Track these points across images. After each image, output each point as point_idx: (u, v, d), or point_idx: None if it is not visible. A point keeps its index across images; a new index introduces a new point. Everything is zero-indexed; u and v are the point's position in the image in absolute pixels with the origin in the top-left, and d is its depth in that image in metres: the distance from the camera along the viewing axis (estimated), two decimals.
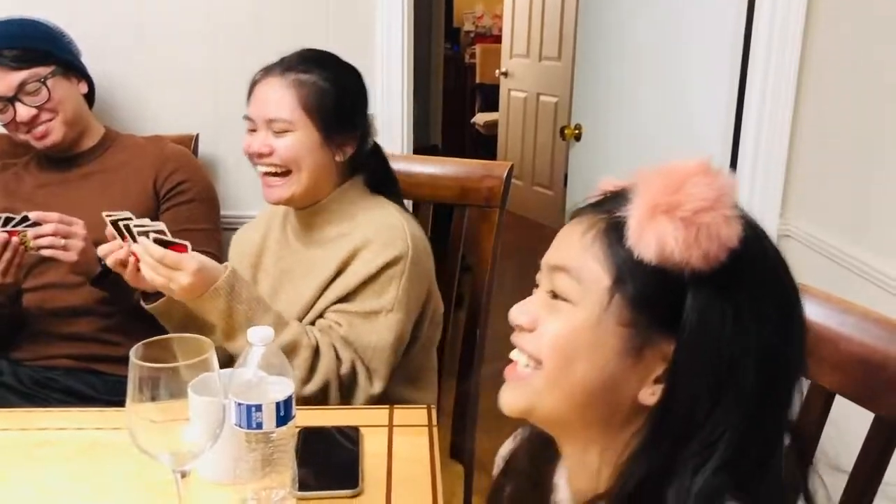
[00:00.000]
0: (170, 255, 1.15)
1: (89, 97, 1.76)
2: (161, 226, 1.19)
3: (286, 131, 1.29)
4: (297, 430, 1.05)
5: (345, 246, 1.31)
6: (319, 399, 1.23)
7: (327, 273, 1.31)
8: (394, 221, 1.32)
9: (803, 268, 0.70)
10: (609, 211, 0.67)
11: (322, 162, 1.32)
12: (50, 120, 1.63)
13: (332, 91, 1.32)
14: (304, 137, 1.30)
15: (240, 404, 0.88)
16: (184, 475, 0.84)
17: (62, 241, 1.39)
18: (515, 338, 0.70)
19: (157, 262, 1.15)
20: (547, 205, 4.90)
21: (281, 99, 1.29)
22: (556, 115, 4.68)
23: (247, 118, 1.33)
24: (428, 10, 4.58)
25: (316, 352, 1.23)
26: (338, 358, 1.24)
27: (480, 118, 6.27)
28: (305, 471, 0.96)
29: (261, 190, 1.34)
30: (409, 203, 2.12)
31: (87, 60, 1.78)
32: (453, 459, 1.56)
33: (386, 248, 1.28)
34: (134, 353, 0.78)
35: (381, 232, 1.30)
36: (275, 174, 1.31)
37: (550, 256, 0.70)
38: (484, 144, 6.03)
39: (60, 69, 1.65)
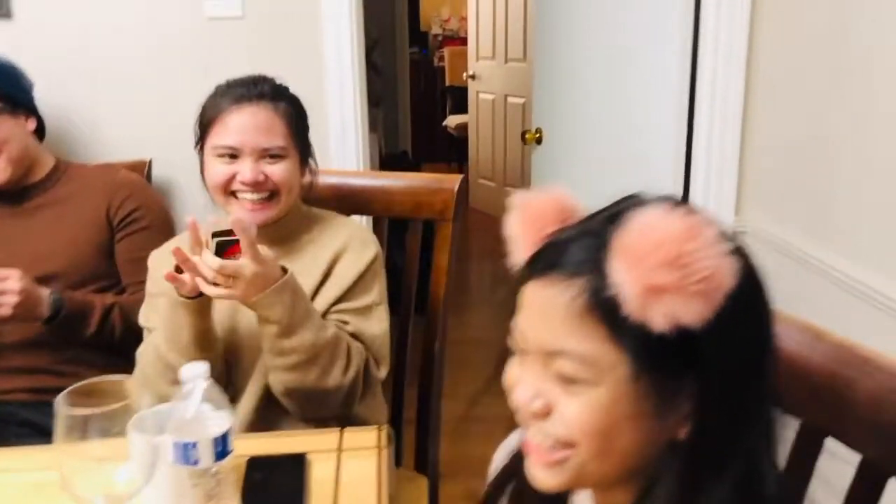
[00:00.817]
0: (227, 265, 1.12)
1: (39, 131, 1.74)
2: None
3: (281, 157, 1.32)
4: (245, 459, 1.06)
5: (320, 254, 1.35)
6: (351, 389, 1.27)
7: (313, 280, 1.34)
8: (356, 223, 1.44)
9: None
10: (579, 274, 0.65)
11: (299, 183, 1.38)
12: None
13: (301, 116, 1.39)
14: (292, 163, 1.34)
15: (176, 442, 0.88)
16: None
17: None
18: (533, 423, 0.68)
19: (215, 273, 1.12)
20: None
21: (273, 127, 1.31)
22: (524, 115, 4.69)
23: (226, 148, 1.30)
24: (391, 16, 4.58)
25: (347, 342, 1.28)
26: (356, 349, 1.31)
27: (452, 121, 6.28)
28: (250, 502, 0.97)
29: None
30: (366, 219, 2.14)
31: (37, 91, 1.77)
32: (418, 472, 1.57)
33: (364, 247, 1.37)
34: (62, 401, 0.78)
35: (353, 234, 1.39)
36: (262, 199, 1.32)
37: (540, 340, 0.67)
38: (456, 147, 6.04)
39: (7, 108, 1.63)
